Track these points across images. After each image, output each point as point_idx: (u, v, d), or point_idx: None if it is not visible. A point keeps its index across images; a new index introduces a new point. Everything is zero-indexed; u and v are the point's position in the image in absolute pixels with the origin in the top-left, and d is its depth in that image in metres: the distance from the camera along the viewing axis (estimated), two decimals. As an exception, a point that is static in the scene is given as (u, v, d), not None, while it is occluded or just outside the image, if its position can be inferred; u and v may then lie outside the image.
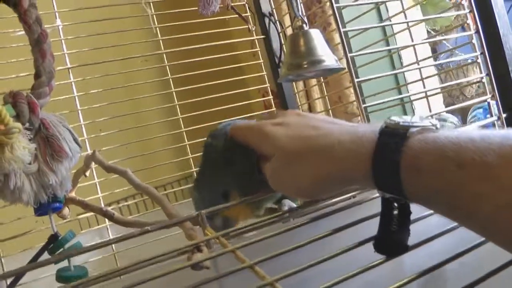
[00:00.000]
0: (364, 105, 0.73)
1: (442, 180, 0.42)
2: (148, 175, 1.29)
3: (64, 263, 0.90)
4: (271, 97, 1.43)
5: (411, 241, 0.50)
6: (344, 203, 0.60)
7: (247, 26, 1.38)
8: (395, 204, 0.48)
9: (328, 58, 0.72)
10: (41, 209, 0.87)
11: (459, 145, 0.42)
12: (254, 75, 1.42)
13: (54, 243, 0.90)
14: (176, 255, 0.54)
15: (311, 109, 1.59)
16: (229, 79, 1.33)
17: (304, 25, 0.76)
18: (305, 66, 0.71)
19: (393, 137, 0.47)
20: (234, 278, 0.50)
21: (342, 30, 0.69)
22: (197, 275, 0.52)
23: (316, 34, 0.74)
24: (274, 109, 1.44)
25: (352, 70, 0.70)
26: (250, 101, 1.42)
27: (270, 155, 0.57)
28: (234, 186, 0.64)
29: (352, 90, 1.50)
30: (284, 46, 1.34)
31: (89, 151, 1.19)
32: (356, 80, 0.70)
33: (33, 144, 0.81)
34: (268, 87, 1.42)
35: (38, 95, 0.85)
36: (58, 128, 0.86)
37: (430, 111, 0.96)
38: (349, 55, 0.69)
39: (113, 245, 1.21)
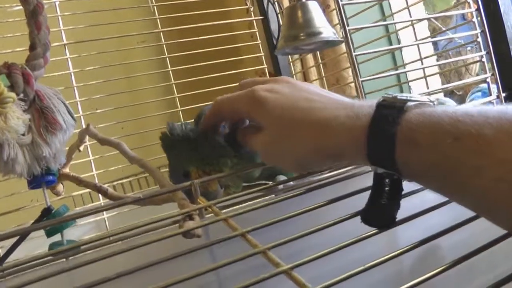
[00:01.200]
0: (362, 79, 0.72)
1: (438, 153, 0.42)
2: (144, 155, 1.28)
3: (57, 238, 0.90)
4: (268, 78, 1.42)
5: (403, 215, 0.49)
6: (339, 176, 0.59)
7: (245, 7, 1.37)
8: (387, 180, 0.48)
9: (325, 30, 0.71)
10: (35, 182, 0.87)
11: (456, 118, 0.42)
12: (252, 55, 1.41)
13: (47, 216, 0.89)
14: (169, 223, 0.53)
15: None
16: (226, 59, 1.33)
17: None
18: (302, 37, 0.70)
19: (390, 110, 0.46)
20: (226, 247, 0.50)
21: (341, 3, 0.68)
22: (188, 242, 0.52)
23: (313, 6, 0.73)
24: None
25: (350, 43, 0.69)
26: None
27: (263, 123, 0.55)
28: (193, 165, 0.65)
29: (350, 72, 1.50)
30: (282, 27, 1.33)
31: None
32: (354, 53, 0.69)
33: (27, 115, 0.80)
34: (266, 69, 1.41)
35: (33, 67, 0.84)
36: (53, 100, 0.85)
37: (428, 88, 0.95)
38: (347, 28, 0.68)
39: (107, 223, 1.21)
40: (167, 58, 1.29)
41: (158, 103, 1.36)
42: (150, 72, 1.34)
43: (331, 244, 0.46)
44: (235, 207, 0.57)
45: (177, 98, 1.28)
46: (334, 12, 1.29)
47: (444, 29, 1.54)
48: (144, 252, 0.48)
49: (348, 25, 0.70)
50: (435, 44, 1.68)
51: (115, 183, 1.34)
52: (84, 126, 1.19)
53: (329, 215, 0.53)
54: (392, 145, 0.44)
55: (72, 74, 1.18)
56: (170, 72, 1.29)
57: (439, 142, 0.42)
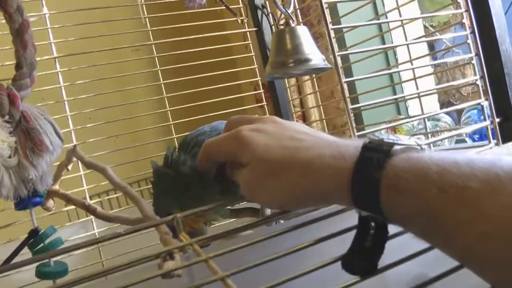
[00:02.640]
0: (355, 105, 0.71)
1: (423, 202, 0.40)
2: (137, 168, 1.27)
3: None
4: (262, 91, 1.41)
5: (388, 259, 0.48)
6: (327, 211, 0.58)
7: (239, 18, 1.35)
8: (372, 224, 0.46)
9: (314, 57, 0.69)
10: (22, 204, 0.86)
11: (443, 167, 0.40)
12: (246, 68, 1.40)
13: (34, 238, 0.88)
14: (148, 260, 0.52)
15: (303, 104, 1.57)
16: (220, 72, 1.31)
17: (291, 21, 0.73)
18: (291, 65, 0.69)
19: (376, 153, 0.44)
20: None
21: (330, 27, 0.67)
22: (168, 283, 0.51)
23: (302, 31, 0.71)
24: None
25: (340, 70, 0.68)
26: (242, 95, 1.40)
27: (246, 163, 0.54)
28: (176, 206, 0.64)
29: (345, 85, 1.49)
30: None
31: (75, 143, 1.17)
32: (343, 80, 0.68)
33: (13, 138, 0.79)
34: (260, 81, 1.40)
35: (19, 87, 0.83)
36: (39, 121, 0.84)
37: (422, 111, 0.93)
38: (337, 54, 0.66)
39: (97, 236, 1.19)
40: (159, 71, 1.27)
41: (151, 115, 1.34)
42: (142, 86, 1.32)
43: (315, 284, 0.45)
44: (219, 241, 0.56)
45: (169, 112, 1.27)
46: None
47: (446, 43, 1.53)
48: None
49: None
50: (433, 56, 1.67)
51: (103, 198, 1.33)
52: (74, 140, 1.18)
53: (315, 253, 0.52)
54: (376, 190, 0.43)
55: (63, 88, 1.17)
56: (162, 85, 1.27)
57: (424, 191, 0.40)
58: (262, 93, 1.41)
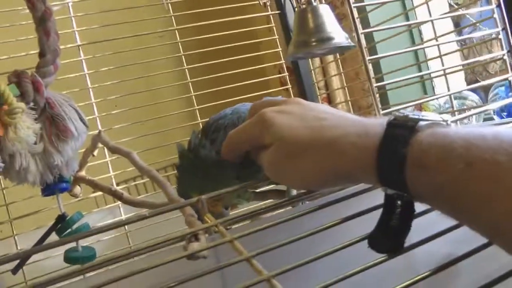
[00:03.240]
0: (380, 83, 0.69)
1: (449, 177, 0.39)
2: (163, 153, 1.28)
3: (73, 243, 0.89)
4: (286, 74, 1.39)
5: (415, 237, 0.47)
6: (353, 189, 0.56)
7: (262, 1, 1.34)
8: (398, 202, 0.45)
9: (337, 35, 0.67)
10: (48, 190, 0.86)
11: (470, 141, 0.39)
12: (270, 51, 1.38)
13: (61, 223, 0.88)
14: (174, 242, 0.52)
15: (327, 85, 1.56)
16: (244, 55, 1.30)
17: (313, 1, 0.71)
18: (313, 44, 0.67)
19: (401, 129, 0.44)
20: (234, 268, 0.48)
21: (353, 5, 0.65)
22: (194, 264, 0.51)
23: (325, 10, 0.69)
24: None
25: (364, 49, 0.66)
26: (266, 78, 1.39)
27: (269, 143, 0.54)
28: (195, 190, 0.64)
29: (370, 66, 1.47)
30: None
31: (100, 129, 1.18)
32: (367, 58, 0.66)
33: (38, 124, 0.79)
34: (284, 64, 1.38)
35: (43, 74, 0.83)
36: (64, 107, 0.84)
37: (449, 89, 0.91)
38: (360, 32, 0.65)
39: (121, 210, 1.20)
40: (183, 56, 1.27)
41: (176, 101, 1.34)
42: (167, 71, 1.32)
43: (340, 268, 0.44)
44: (244, 223, 0.55)
45: (193, 96, 1.26)
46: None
47: (471, 20, 1.49)
48: (148, 274, 0.47)
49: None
50: (458, 33, 1.63)
51: (132, 183, 1.34)
52: (100, 128, 1.18)
53: (340, 233, 0.51)
54: (402, 166, 0.42)
55: (87, 75, 1.17)
56: (186, 70, 1.27)
57: (450, 166, 0.39)
58: (287, 76, 1.39)
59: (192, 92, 1.27)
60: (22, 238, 1.14)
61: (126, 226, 1.20)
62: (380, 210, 0.49)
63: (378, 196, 0.49)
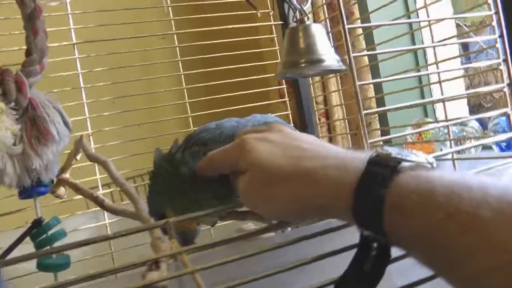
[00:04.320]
0: (368, 111, 0.65)
1: (428, 226, 0.37)
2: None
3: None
4: (284, 86, 1.36)
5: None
6: (327, 226, 0.54)
7: (267, 10, 1.32)
8: (374, 245, 0.42)
9: (328, 57, 0.64)
10: (25, 193, 0.84)
11: (453, 191, 0.37)
12: (270, 62, 1.35)
13: (37, 228, 0.86)
14: (133, 268, 0.49)
15: (326, 101, 1.53)
16: (243, 65, 1.27)
17: (306, 19, 0.68)
18: (303, 65, 0.64)
19: (382, 168, 0.41)
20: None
21: (347, 27, 0.62)
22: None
23: (317, 30, 0.65)
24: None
25: (355, 72, 0.63)
26: (264, 89, 1.36)
27: (245, 170, 0.51)
28: (169, 206, 0.61)
29: (371, 84, 1.44)
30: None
31: (90, 131, 1.15)
32: (357, 83, 0.63)
33: (18, 125, 0.77)
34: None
35: (28, 73, 0.81)
36: (47, 109, 0.82)
37: (447, 117, 0.88)
38: (352, 55, 0.62)
39: (108, 227, 1.18)
40: (180, 62, 1.24)
41: (172, 106, 1.31)
42: (162, 76, 1.29)
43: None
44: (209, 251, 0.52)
45: (187, 103, 1.24)
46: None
47: (470, 38, 1.46)
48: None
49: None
50: (466, 57, 1.60)
51: (118, 188, 1.31)
52: (90, 129, 1.16)
53: (312, 268, 0.49)
54: (380, 209, 0.40)
55: (80, 74, 1.15)
56: (182, 76, 1.24)
57: (430, 214, 0.37)
58: (285, 88, 1.36)
59: (187, 99, 1.24)
60: (2, 236, 1.11)
61: (108, 230, 1.17)
62: (354, 251, 0.46)
63: (354, 234, 0.46)
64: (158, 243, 0.52)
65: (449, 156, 0.87)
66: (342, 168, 0.44)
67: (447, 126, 0.89)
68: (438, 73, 0.89)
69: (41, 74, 0.83)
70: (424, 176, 0.39)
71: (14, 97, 0.78)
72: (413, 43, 1.59)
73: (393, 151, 0.43)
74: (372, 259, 0.43)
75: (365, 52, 0.70)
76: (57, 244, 0.87)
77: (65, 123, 0.84)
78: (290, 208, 0.49)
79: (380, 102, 1.43)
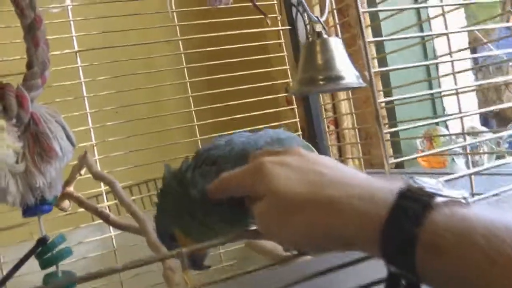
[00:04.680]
0: (389, 130, 0.62)
1: (466, 269, 0.35)
2: (159, 166, 1.22)
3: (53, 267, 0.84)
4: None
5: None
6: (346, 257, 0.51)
7: (274, 15, 1.28)
8: (403, 282, 0.39)
9: (348, 73, 0.60)
10: (29, 211, 0.81)
11: (491, 231, 0.34)
12: (277, 68, 1.32)
13: (42, 247, 0.83)
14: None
15: (335, 108, 1.49)
16: (251, 71, 1.24)
17: (323, 32, 0.64)
18: (321, 82, 0.60)
19: (414, 203, 0.38)
20: None
21: (367, 41, 0.58)
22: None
23: (336, 44, 0.61)
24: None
25: (375, 89, 0.59)
26: (269, 96, 1.32)
27: (263, 194, 0.48)
28: (178, 228, 0.59)
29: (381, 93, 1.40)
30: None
31: (94, 142, 1.12)
32: (379, 101, 0.59)
33: (20, 143, 0.73)
34: (291, 82, 1.32)
35: (30, 87, 0.77)
36: (50, 124, 0.78)
37: (460, 111, 0.83)
38: (373, 71, 0.58)
39: (113, 239, 1.15)
40: (185, 69, 1.21)
41: (177, 115, 1.28)
42: (167, 84, 1.25)
43: None
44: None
45: (193, 111, 1.20)
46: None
47: (485, 41, 1.42)
48: None
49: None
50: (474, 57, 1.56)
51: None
52: (93, 139, 1.13)
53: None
54: (412, 247, 0.37)
55: (83, 83, 1.12)
56: (188, 84, 1.21)
57: (468, 257, 0.35)
58: (294, 96, 1.32)
59: (193, 107, 1.20)
60: (6, 251, 1.08)
61: (114, 242, 1.14)
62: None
63: (379, 267, 0.43)
64: (170, 275, 0.49)
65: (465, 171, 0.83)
66: (368, 198, 0.41)
67: (461, 120, 0.84)
68: (452, 62, 0.84)
69: (42, 87, 0.79)
70: (460, 214, 0.37)
71: (15, 112, 0.75)
72: (425, 53, 1.56)
73: (425, 184, 0.40)
74: None
75: (388, 67, 0.66)
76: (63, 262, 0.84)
77: (68, 138, 0.80)
78: (309, 238, 0.46)
79: (388, 95, 1.39)
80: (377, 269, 0.44)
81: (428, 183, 0.40)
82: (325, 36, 0.60)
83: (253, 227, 0.61)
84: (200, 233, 0.59)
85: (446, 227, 0.36)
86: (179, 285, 0.47)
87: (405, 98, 0.68)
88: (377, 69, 0.64)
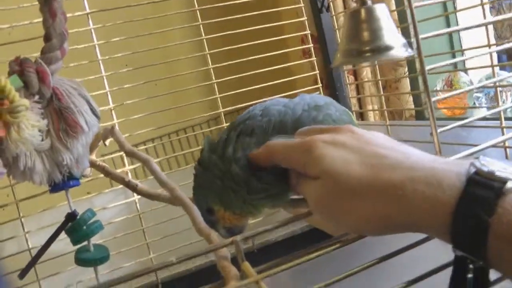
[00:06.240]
0: (436, 98, 0.58)
1: None
2: (177, 115, 1.20)
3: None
4: (311, 45, 1.28)
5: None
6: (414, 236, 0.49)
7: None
8: (471, 266, 0.38)
9: (396, 43, 0.55)
10: (57, 187, 0.79)
11: None
12: (294, 20, 1.27)
13: (72, 222, 0.81)
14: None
15: (356, 76, 1.44)
16: (265, 25, 1.19)
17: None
18: (367, 54, 0.55)
19: (485, 190, 0.36)
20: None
21: (414, 5, 0.54)
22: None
23: (382, 12, 0.56)
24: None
25: (423, 58, 0.56)
26: (287, 50, 1.28)
27: (316, 176, 0.46)
28: (218, 202, 0.57)
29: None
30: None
31: (111, 105, 1.09)
32: (427, 67, 0.56)
33: (44, 121, 0.71)
34: (309, 36, 1.27)
35: (49, 60, 0.74)
36: (73, 98, 0.75)
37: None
38: (419, 37, 0.54)
39: (137, 205, 1.14)
40: (205, 40, 1.17)
41: (196, 81, 1.24)
42: (188, 57, 1.20)
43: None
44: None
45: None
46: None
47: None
48: None
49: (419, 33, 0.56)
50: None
51: (146, 145, 1.28)
52: (111, 102, 1.10)
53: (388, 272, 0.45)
54: (484, 235, 0.36)
55: (97, 46, 1.08)
56: (208, 55, 1.17)
57: None
58: (312, 47, 1.28)
59: (214, 78, 1.18)
60: (28, 220, 1.07)
61: (138, 207, 1.13)
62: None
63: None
64: (227, 265, 0.47)
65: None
66: (434, 184, 0.39)
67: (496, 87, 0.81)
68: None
69: (62, 60, 0.76)
70: None
71: (37, 88, 0.72)
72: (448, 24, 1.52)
73: (495, 167, 0.38)
74: (469, 282, 0.38)
75: (437, 31, 0.61)
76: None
77: (93, 111, 0.78)
78: (373, 224, 0.43)
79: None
80: (440, 250, 0.43)
81: (497, 166, 0.38)
82: (369, 3, 0.56)
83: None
84: (240, 207, 0.57)
85: None
86: (236, 275, 0.46)
87: (445, 65, 0.65)
88: (425, 35, 0.60)
